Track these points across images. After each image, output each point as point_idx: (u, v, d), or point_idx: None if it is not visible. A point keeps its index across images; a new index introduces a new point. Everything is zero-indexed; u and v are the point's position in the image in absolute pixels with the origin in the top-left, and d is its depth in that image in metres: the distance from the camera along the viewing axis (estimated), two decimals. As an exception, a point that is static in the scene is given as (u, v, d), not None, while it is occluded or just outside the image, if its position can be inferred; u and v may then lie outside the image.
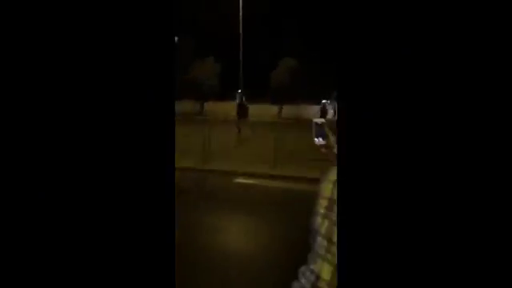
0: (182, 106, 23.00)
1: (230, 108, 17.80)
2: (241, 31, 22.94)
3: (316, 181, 0.98)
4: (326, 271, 0.82)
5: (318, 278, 0.83)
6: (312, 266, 0.84)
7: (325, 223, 0.84)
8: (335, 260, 0.80)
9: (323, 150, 1.05)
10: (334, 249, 0.80)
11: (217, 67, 27.26)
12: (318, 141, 1.10)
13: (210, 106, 25.76)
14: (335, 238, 0.79)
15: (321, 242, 0.83)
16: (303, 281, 0.85)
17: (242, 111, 11.54)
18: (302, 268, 0.86)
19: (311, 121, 1.09)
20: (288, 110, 24.77)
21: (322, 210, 0.86)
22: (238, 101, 12.72)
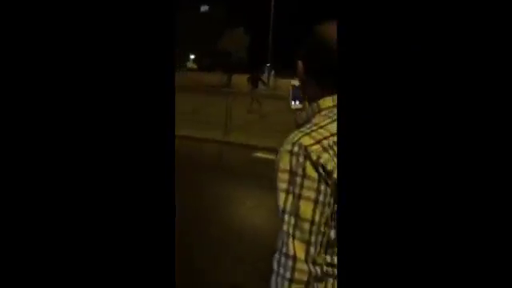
0: (210, 78, 22.90)
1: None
2: (272, 2, 22.29)
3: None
4: (299, 249, 0.76)
5: (294, 259, 0.76)
6: (284, 250, 0.77)
7: (289, 199, 0.78)
8: (306, 236, 0.76)
9: (298, 113, 0.97)
10: (303, 224, 0.76)
11: (246, 39, 26.72)
12: (294, 104, 1.05)
13: (237, 79, 25.71)
14: (303, 214, 0.76)
15: (288, 219, 0.77)
16: (281, 270, 0.78)
17: (255, 82, 12.09)
18: (276, 255, 0.79)
19: None
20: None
21: (283, 185, 0.79)
22: (266, 74, 12.70)
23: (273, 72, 13.11)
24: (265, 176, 4.88)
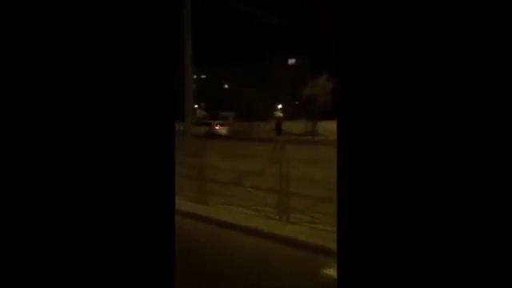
0: (294, 126, 22.75)
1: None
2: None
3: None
4: None
5: None
6: None
7: None
8: None
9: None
10: None
11: (329, 84, 26.66)
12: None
13: (323, 126, 25.09)
14: None
15: None
16: None
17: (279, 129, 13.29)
18: None
19: None
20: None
21: None
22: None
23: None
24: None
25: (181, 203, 4.85)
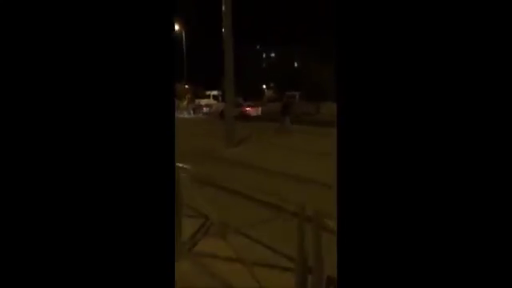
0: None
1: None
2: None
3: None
4: None
5: None
6: None
7: None
8: None
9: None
10: None
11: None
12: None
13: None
14: None
15: None
16: None
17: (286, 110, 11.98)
18: None
19: None
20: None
21: None
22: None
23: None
24: None
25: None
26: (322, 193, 4.12)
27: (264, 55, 50.62)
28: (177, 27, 25.70)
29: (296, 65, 43.36)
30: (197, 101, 26.51)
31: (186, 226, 2.89)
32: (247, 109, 20.46)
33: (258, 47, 50.36)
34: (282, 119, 11.62)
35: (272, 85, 44.21)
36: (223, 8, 7.93)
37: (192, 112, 24.14)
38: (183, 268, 2.40)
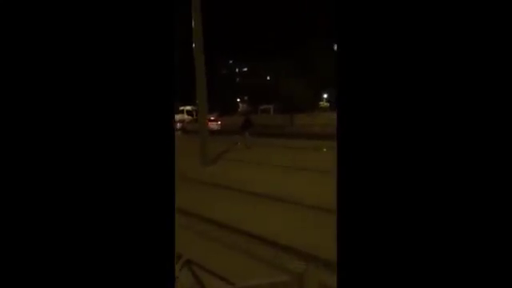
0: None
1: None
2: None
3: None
4: None
5: None
6: None
7: None
8: None
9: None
10: None
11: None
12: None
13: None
14: None
15: None
16: None
17: (247, 124, 11.48)
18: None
19: None
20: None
21: None
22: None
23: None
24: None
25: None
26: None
27: (237, 70, 50.92)
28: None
29: (268, 78, 43.86)
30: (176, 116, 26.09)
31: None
32: (208, 123, 20.57)
33: (230, 62, 50.64)
34: (243, 134, 11.42)
35: (246, 98, 44.43)
36: (193, 24, 7.87)
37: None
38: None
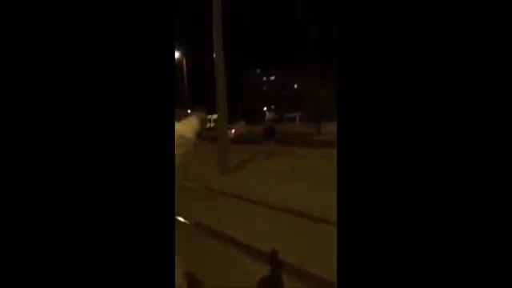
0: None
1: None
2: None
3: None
4: None
5: None
6: None
7: None
8: None
9: None
10: None
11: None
12: None
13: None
14: None
15: None
16: None
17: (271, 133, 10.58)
18: None
19: None
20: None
21: None
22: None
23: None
24: None
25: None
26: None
27: (264, 78, 50.94)
28: (177, 54, 25.75)
29: (296, 87, 43.44)
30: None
31: None
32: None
33: (258, 71, 50.75)
34: (264, 143, 10.75)
35: (273, 107, 44.18)
36: (214, 33, 7.61)
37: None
38: None
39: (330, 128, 20.33)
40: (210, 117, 27.98)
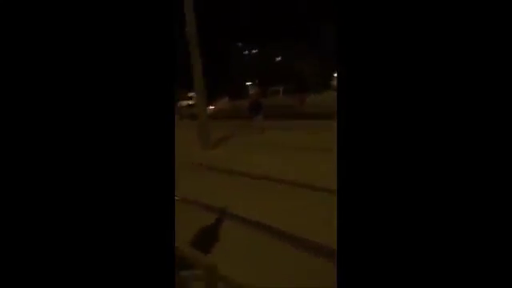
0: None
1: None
2: None
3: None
4: None
5: None
6: None
7: None
8: None
9: None
10: None
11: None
12: None
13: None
14: None
15: None
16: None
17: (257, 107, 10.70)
18: None
19: None
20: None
21: None
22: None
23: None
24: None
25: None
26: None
27: (246, 52, 50.17)
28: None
29: (279, 59, 43.05)
30: (178, 103, 26.08)
31: None
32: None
33: (239, 44, 49.89)
34: (251, 117, 10.88)
35: (257, 81, 43.84)
36: (184, 5, 7.44)
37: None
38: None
39: (312, 100, 20.49)
40: (190, 94, 27.70)
